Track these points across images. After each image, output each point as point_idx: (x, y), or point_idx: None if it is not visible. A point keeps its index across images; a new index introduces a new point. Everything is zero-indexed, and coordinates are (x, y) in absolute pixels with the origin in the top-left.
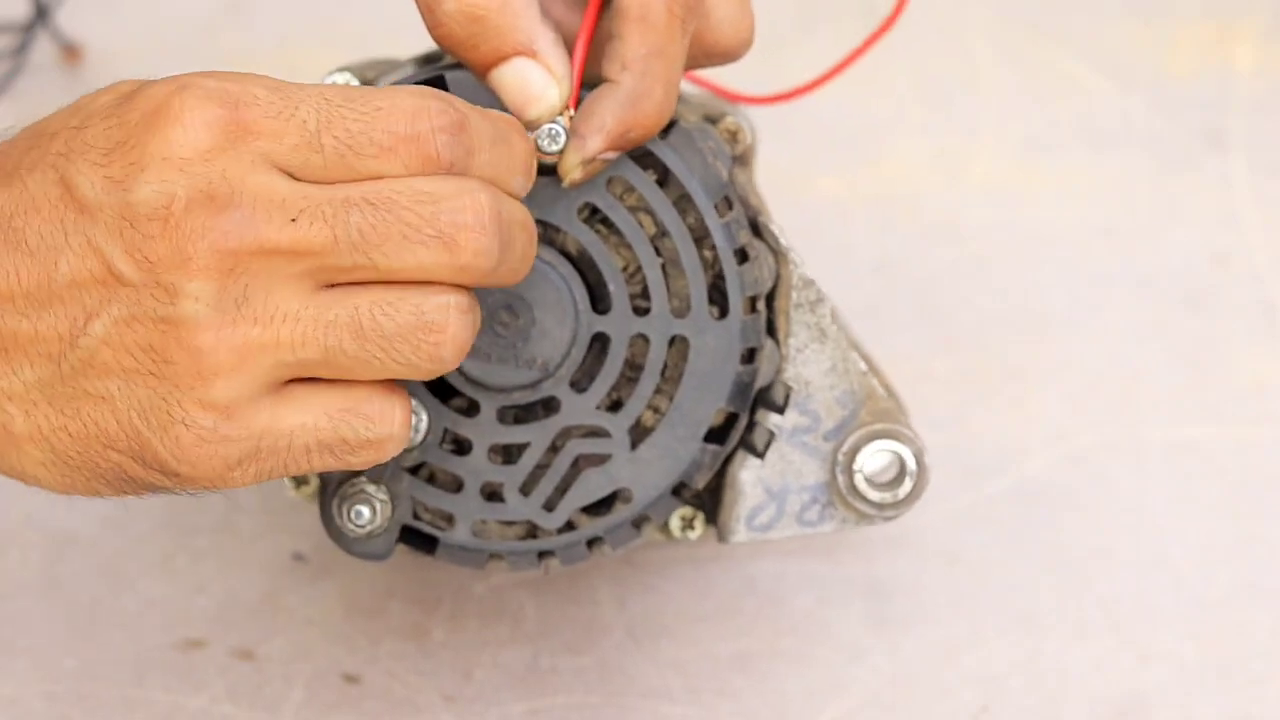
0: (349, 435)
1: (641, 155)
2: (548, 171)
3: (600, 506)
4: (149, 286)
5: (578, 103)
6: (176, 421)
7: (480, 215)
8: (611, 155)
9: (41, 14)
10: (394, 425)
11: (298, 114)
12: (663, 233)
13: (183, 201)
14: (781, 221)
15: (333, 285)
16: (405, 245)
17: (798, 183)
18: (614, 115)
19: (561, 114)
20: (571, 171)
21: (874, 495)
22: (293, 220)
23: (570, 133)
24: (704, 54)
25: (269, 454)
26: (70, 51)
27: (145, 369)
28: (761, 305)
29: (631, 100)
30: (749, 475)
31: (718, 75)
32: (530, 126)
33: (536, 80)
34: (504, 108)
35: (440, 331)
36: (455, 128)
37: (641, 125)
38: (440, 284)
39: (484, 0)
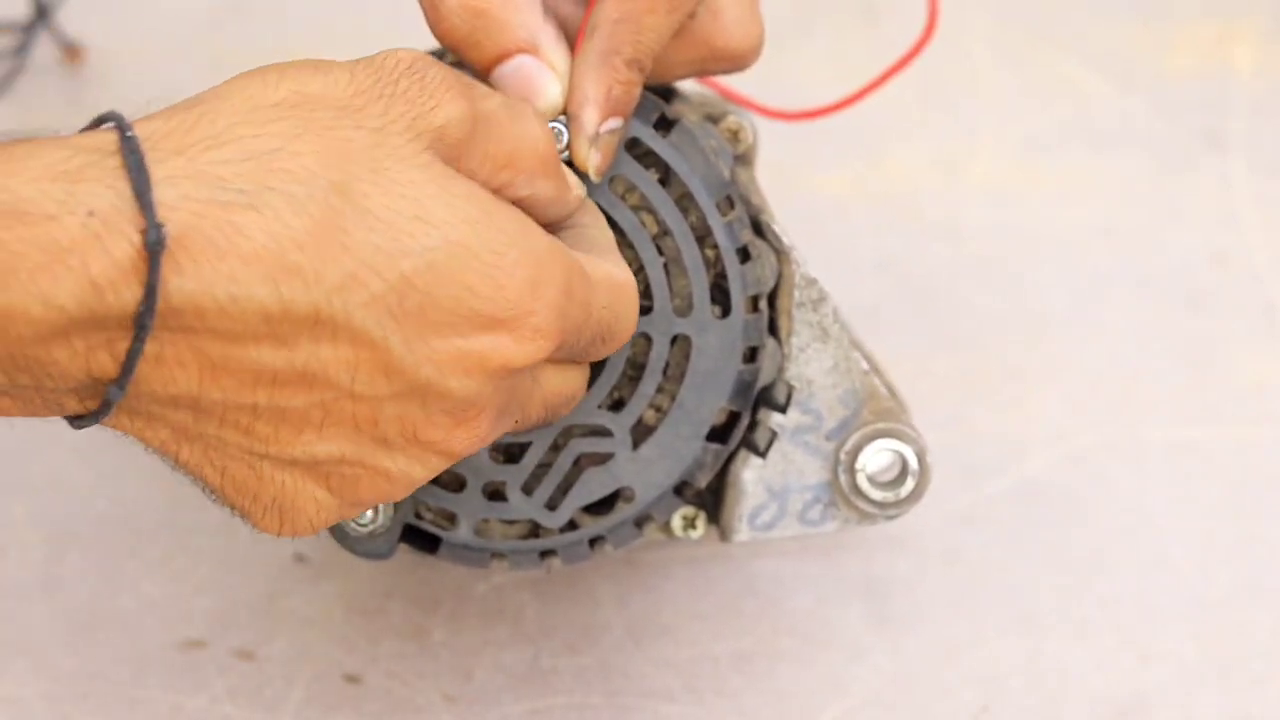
0: None
1: (643, 154)
2: None
3: (602, 505)
4: (403, 454)
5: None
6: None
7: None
8: (615, 124)
9: (42, 14)
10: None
11: (583, 334)
12: (665, 232)
13: (488, 416)
14: (782, 220)
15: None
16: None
17: (799, 182)
18: (591, 81)
19: (563, 114)
20: (586, 158)
21: (876, 494)
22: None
23: (569, 120)
24: (712, 56)
25: None
26: (70, 51)
27: (333, 490)
28: (764, 304)
29: (602, 59)
30: (751, 474)
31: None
32: None
33: (539, 77)
34: None
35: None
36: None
37: (621, 83)
38: None
39: None
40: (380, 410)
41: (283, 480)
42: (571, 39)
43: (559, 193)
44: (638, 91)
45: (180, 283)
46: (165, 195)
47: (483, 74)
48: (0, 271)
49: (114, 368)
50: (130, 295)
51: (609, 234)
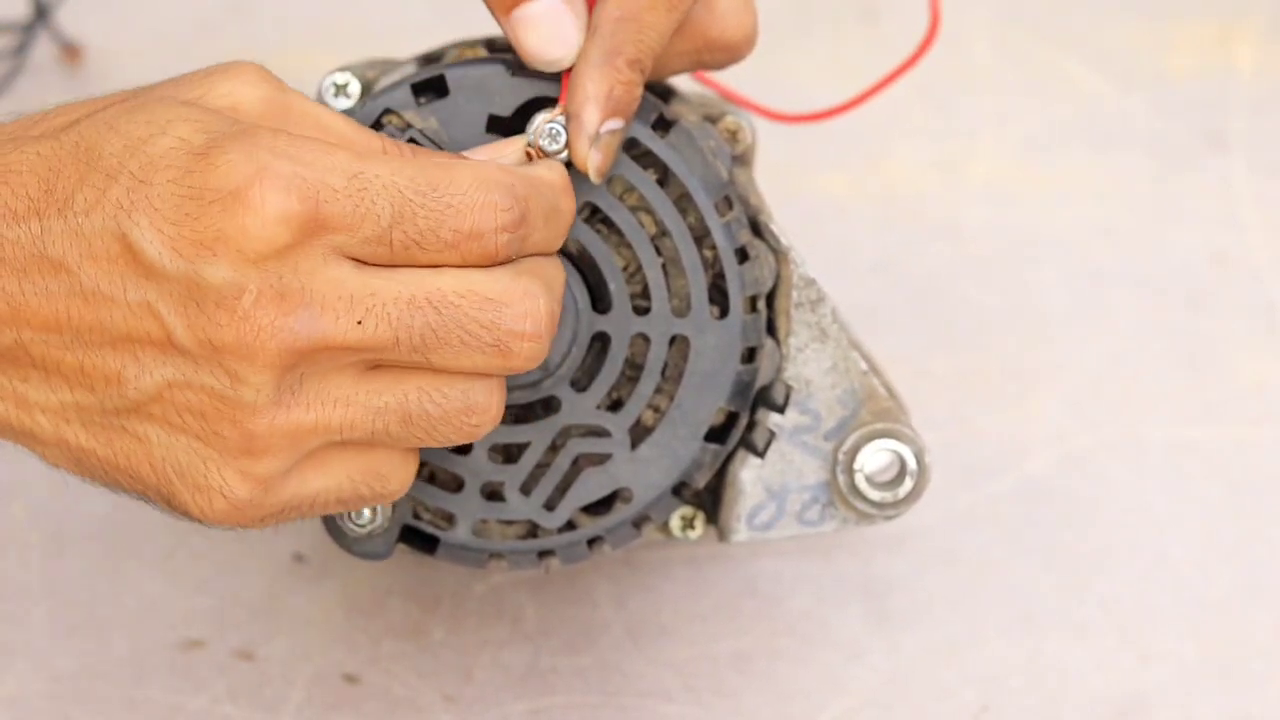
0: (365, 493)
1: (642, 155)
2: None
3: (600, 506)
4: (208, 363)
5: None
6: (214, 487)
7: (538, 324)
8: (615, 124)
9: (41, 14)
10: (405, 481)
11: (373, 208)
12: (663, 232)
13: (253, 296)
14: (781, 220)
15: (382, 366)
16: (463, 350)
17: (798, 182)
18: (593, 80)
19: (560, 117)
20: (586, 157)
21: (874, 495)
22: (359, 322)
23: (569, 119)
24: (706, 48)
25: (290, 513)
26: (70, 51)
27: (191, 431)
28: (762, 305)
29: (604, 58)
30: (749, 474)
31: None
32: (550, 67)
33: (565, 24)
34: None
35: (483, 413)
36: (516, 224)
37: (622, 84)
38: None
39: None
40: (165, 319)
41: (155, 435)
42: None
43: None
44: (639, 92)
45: None
46: None
47: (503, 11)
48: None
49: None
50: None
51: None
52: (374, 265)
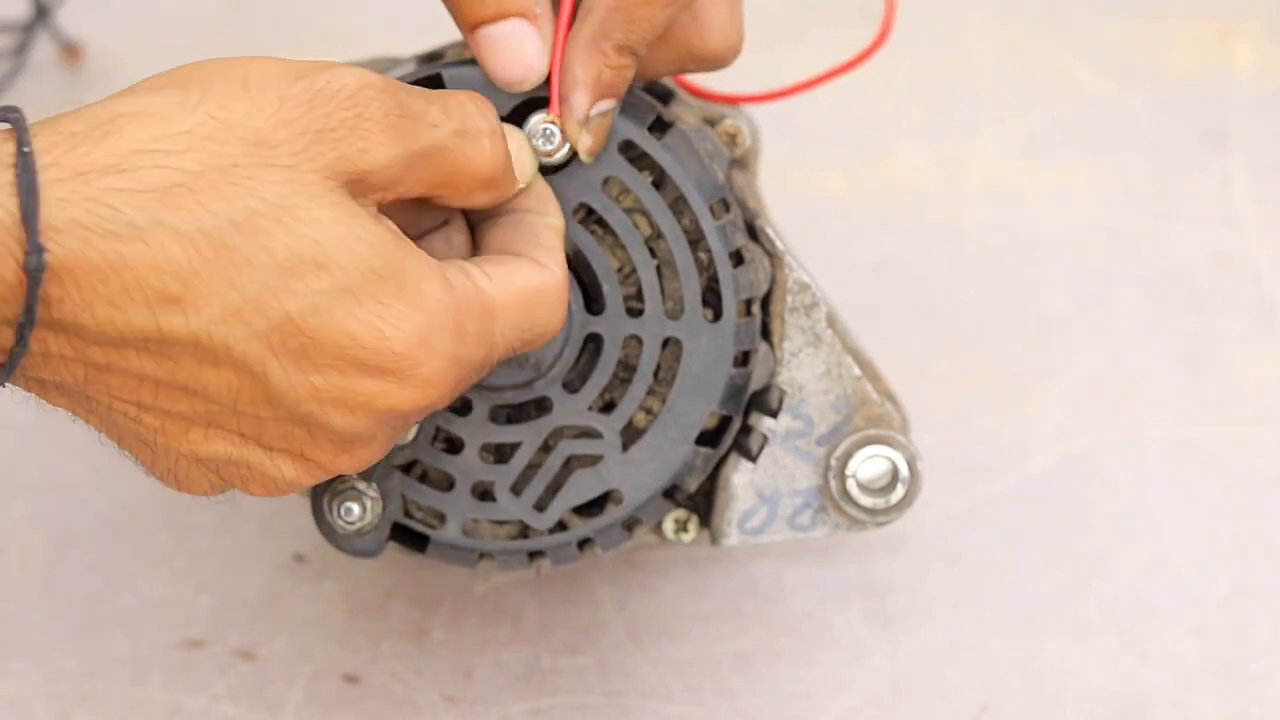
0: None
1: (638, 157)
2: (544, 172)
3: (591, 507)
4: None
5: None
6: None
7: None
8: (606, 106)
9: (41, 14)
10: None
11: (487, 364)
12: (658, 234)
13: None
14: (781, 221)
15: None
16: None
17: (798, 182)
18: (581, 64)
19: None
20: (578, 139)
21: (866, 501)
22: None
23: (560, 102)
24: (691, 58)
25: None
26: (70, 51)
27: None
28: (756, 309)
29: (592, 43)
30: (742, 478)
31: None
32: (510, 89)
33: (530, 46)
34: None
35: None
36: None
37: (611, 67)
38: None
39: None
40: (264, 427)
41: (175, 461)
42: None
43: (496, 198)
44: (630, 74)
45: (62, 302)
46: (55, 218)
47: (469, 29)
48: None
49: (8, 346)
50: (16, 306)
51: (554, 221)
52: None
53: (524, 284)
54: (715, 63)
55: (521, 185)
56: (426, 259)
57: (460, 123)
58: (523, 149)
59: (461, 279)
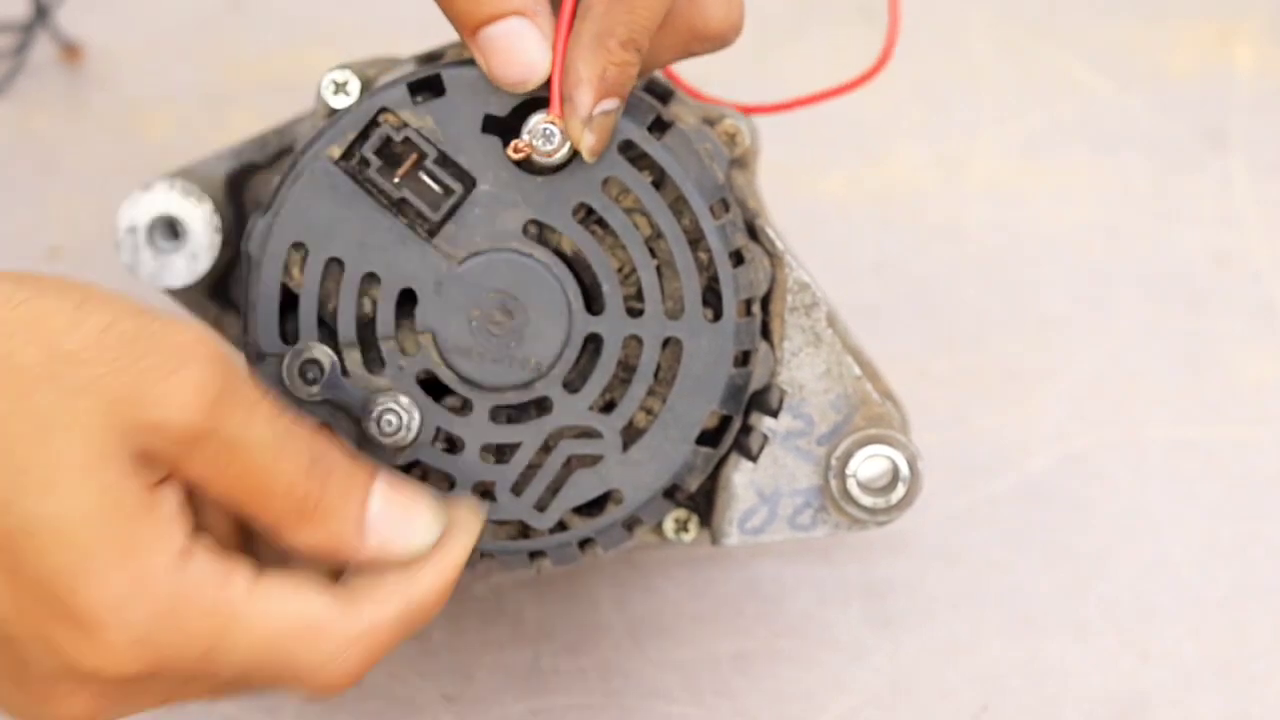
0: None
1: (638, 157)
2: (544, 172)
3: (592, 507)
4: None
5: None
6: None
7: None
8: (610, 105)
9: (41, 14)
10: None
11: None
12: (658, 234)
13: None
14: (781, 221)
15: None
16: None
17: (798, 182)
18: (585, 62)
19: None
20: (580, 138)
21: (866, 500)
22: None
23: (563, 101)
24: (693, 37)
25: None
26: (70, 51)
27: None
28: (756, 308)
29: (596, 40)
30: (742, 478)
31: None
32: (512, 89)
33: (532, 44)
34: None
35: None
36: None
37: (615, 64)
38: None
39: None
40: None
41: None
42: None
43: (328, 544)
44: (634, 71)
45: None
46: None
47: (468, 32)
48: None
49: None
50: None
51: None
52: None
53: (293, 614)
54: (717, 41)
55: (375, 542)
56: (172, 533)
57: (279, 427)
58: (427, 513)
59: (211, 573)
